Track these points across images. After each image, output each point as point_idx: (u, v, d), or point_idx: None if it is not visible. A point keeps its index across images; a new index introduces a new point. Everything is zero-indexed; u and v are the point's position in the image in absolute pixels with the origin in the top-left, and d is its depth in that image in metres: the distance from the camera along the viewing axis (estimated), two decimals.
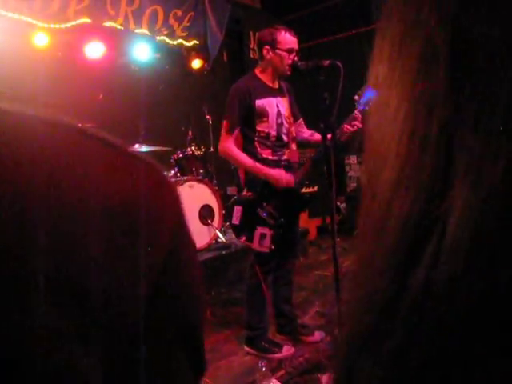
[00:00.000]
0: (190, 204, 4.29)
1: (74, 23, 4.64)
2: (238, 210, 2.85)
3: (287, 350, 2.97)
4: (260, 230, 2.75)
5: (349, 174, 6.69)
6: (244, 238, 2.85)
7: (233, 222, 2.88)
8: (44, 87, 4.31)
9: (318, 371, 2.70)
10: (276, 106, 2.88)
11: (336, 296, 2.38)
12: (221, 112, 3.04)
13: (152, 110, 5.02)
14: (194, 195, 4.42)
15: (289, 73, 2.84)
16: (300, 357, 2.93)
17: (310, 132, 3.14)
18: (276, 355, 2.93)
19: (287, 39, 2.82)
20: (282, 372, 2.75)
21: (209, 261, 4.26)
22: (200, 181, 4.53)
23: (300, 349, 3.04)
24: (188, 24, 5.53)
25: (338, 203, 6.29)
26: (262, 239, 2.75)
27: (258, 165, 2.80)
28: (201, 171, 4.73)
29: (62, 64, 4.66)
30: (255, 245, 2.76)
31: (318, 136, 2.93)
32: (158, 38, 5.38)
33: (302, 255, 5.15)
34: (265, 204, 2.82)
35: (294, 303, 3.29)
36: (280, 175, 2.79)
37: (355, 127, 2.59)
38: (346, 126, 2.62)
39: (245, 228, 2.84)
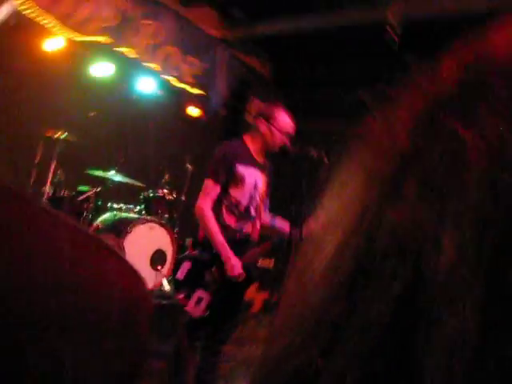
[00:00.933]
0: (146, 245, 4.22)
1: (90, 38, 4.70)
2: (185, 266, 2.81)
3: None
4: (199, 292, 2.70)
5: None
6: (182, 296, 2.78)
7: (177, 276, 2.83)
8: (42, 89, 4.30)
9: None
10: (255, 179, 2.91)
11: None
12: (202, 164, 3.04)
13: (137, 141, 5.03)
14: (152, 237, 4.35)
15: (276, 151, 2.90)
16: None
17: (270, 216, 3.13)
18: None
19: (285, 122, 2.88)
20: None
21: None
22: (162, 225, 4.48)
23: None
24: (199, 74, 5.67)
25: None
26: (198, 303, 2.70)
27: (224, 245, 2.76)
28: (165, 215, 4.69)
29: (65, 72, 4.68)
30: (190, 306, 2.70)
31: (279, 223, 2.96)
32: (164, 76, 5.49)
33: (241, 326, 5.04)
34: (213, 269, 2.79)
35: (220, 374, 3.18)
36: (236, 266, 2.75)
37: None
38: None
39: (186, 286, 2.79)
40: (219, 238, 2.76)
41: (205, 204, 2.80)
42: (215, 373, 3.11)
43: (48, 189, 4.18)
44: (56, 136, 4.16)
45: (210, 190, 2.81)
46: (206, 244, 2.87)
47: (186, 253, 2.96)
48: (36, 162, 4.16)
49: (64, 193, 4.33)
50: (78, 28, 4.55)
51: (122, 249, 3.98)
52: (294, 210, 2.47)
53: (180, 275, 2.81)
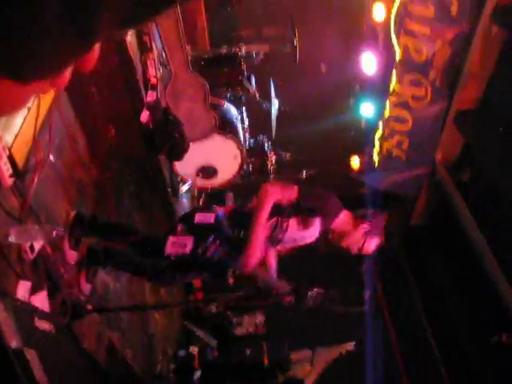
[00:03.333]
0: (212, 152, 4.49)
1: None
2: (208, 217, 2.74)
3: None
4: (190, 239, 2.66)
5: None
6: (180, 227, 2.74)
7: (196, 220, 2.76)
8: None
9: None
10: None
11: None
12: None
13: None
14: (223, 151, 4.60)
15: None
16: None
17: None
18: None
19: None
20: None
21: None
22: (241, 152, 4.70)
23: None
24: None
25: None
26: (176, 245, 2.66)
27: (262, 238, 2.62)
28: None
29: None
30: (173, 240, 2.67)
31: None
32: None
33: None
34: (218, 240, 2.71)
35: None
36: (251, 265, 2.63)
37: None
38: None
39: (186, 223, 2.75)
40: (262, 224, 2.61)
41: (274, 193, 2.65)
42: None
43: None
44: None
45: (289, 193, 2.69)
46: (235, 218, 2.78)
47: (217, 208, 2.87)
48: None
49: None
50: None
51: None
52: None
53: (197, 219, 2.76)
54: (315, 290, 2.67)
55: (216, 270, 2.84)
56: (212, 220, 2.74)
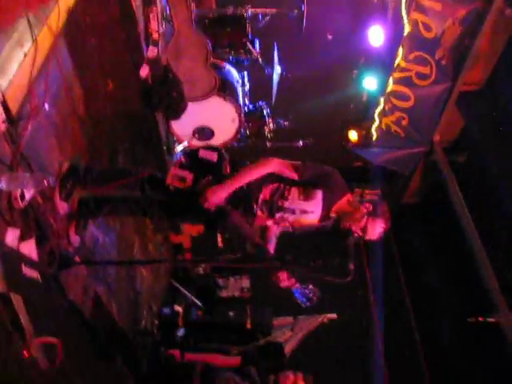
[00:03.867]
0: (211, 113, 4.49)
1: None
2: (208, 154, 2.75)
3: None
4: (181, 172, 2.68)
5: None
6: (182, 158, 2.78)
7: (200, 154, 2.78)
8: None
9: None
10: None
11: None
12: None
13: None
14: (221, 113, 4.58)
15: None
16: None
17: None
18: None
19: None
20: None
21: None
22: (239, 115, 4.70)
23: None
24: None
25: None
26: (176, 178, 2.68)
27: (239, 182, 2.64)
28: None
29: None
30: (172, 172, 2.70)
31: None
32: None
33: None
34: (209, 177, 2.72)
35: None
36: (217, 198, 2.62)
37: None
38: None
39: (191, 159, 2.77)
40: (242, 180, 2.64)
41: (276, 165, 2.67)
42: None
43: None
44: None
45: (290, 169, 2.68)
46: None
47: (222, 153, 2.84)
48: None
49: None
50: None
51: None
52: None
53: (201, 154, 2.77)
54: (310, 286, 2.71)
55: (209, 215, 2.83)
56: (215, 158, 2.74)
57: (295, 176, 2.66)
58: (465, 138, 5.68)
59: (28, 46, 2.42)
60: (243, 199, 2.74)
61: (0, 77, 2.18)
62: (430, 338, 5.84)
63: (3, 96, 2.19)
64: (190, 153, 2.81)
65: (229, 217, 2.65)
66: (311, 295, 2.74)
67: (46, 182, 2.31)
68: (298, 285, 2.73)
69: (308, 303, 2.75)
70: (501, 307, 4.41)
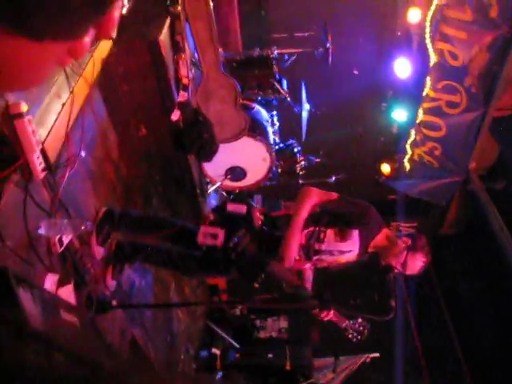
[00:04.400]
0: (244, 154, 4.56)
1: None
2: (240, 208, 2.73)
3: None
4: (221, 232, 2.64)
5: None
6: (211, 216, 2.73)
7: (229, 208, 2.77)
8: None
9: None
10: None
11: None
12: None
13: None
14: (253, 154, 4.63)
15: None
16: None
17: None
18: None
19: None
20: None
21: None
22: (271, 156, 4.72)
23: None
24: None
25: None
26: (208, 236, 2.66)
27: (297, 238, 2.62)
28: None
29: None
30: (203, 231, 2.67)
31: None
32: None
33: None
34: (249, 235, 2.69)
35: None
36: (289, 263, 2.62)
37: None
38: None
39: (220, 215, 2.74)
40: (300, 224, 2.61)
41: (316, 194, 2.66)
42: None
43: None
44: None
45: (330, 197, 2.67)
46: (268, 219, 2.78)
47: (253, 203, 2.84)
48: None
49: None
50: None
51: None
52: None
53: (229, 208, 2.76)
54: (360, 320, 2.65)
55: (247, 267, 2.80)
56: (244, 210, 2.73)
57: (333, 200, 2.62)
58: (501, 164, 5.54)
59: (65, 96, 2.52)
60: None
61: (39, 127, 2.28)
62: (479, 374, 5.54)
63: (43, 145, 2.27)
64: (218, 209, 2.82)
65: (267, 266, 2.62)
66: (361, 329, 2.67)
67: (83, 227, 2.36)
68: (346, 322, 2.66)
69: (359, 337, 2.68)
70: None
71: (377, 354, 5.20)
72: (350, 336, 2.66)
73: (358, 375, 5.14)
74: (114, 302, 2.91)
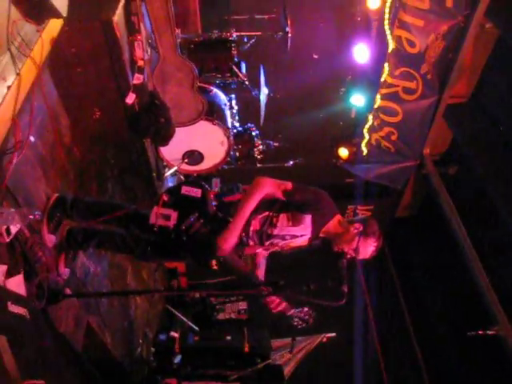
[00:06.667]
0: (201, 138, 4.57)
1: None
2: (192, 191, 2.69)
3: None
4: (173, 213, 2.62)
5: None
6: (165, 197, 2.70)
7: (183, 191, 2.71)
8: None
9: None
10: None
11: None
12: None
13: None
14: (211, 138, 4.64)
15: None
16: None
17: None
18: None
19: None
20: None
21: None
22: (229, 141, 4.73)
23: None
24: None
25: None
26: (160, 217, 2.63)
27: (243, 222, 2.57)
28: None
29: None
30: (155, 211, 2.63)
31: None
32: None
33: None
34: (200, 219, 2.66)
35: None
36: (228, 247, 2.57)
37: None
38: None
39: (174, 197, 2.70)
40: (246, 215, 2.57)
41: (269, 186, 2.61)
42: None
43: None
44: None
45: (283, 187, 2.61)
46: (222, 204, 2.75)
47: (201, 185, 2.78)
48: None
49: None
50: None
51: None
52: None
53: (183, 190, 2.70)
54: (306, 309, 2.69)
55: (199, 251, 2.78)
56: (199, 195, 2.70)
57: (287, 189, 2.62)
58: (454, 149, 5.71)
59: (12, 79, 2.41)
60: None
61: None
62: (430, 353, 5.79)
63: None
64: (173, 190, 2.77)
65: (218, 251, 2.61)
66: (307, 317, 2.72)
67: (31, 216, 2.28)
68: (292, 310, 2.70)
69: (304, 325, 2.73)
70: (499, 319, 4.39)
71: (333, 334, 5.35)
72: (295, 324, 2.71)
73: (314, 355, 5.27)
74: (68, 291, 2.85)
